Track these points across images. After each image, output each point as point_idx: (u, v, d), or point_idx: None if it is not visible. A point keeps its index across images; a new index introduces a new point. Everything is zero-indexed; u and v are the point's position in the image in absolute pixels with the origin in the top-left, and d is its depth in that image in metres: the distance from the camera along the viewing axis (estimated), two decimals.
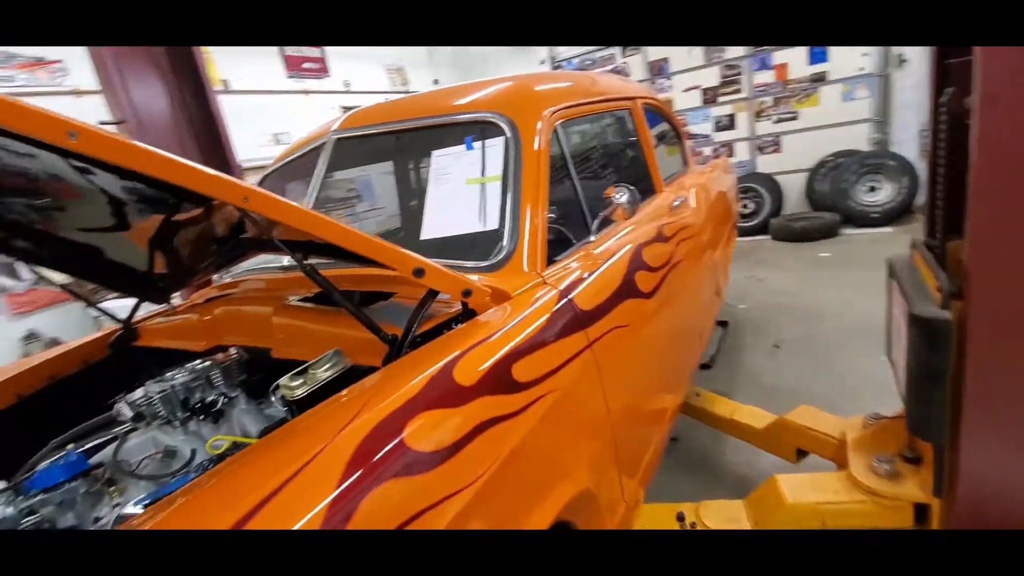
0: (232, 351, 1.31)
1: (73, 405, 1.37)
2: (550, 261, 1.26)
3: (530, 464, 0.89)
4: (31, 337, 3.66)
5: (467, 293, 1.00)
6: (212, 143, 3.09)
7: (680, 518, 1.48)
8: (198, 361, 1.25)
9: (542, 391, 0.93)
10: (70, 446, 1.12)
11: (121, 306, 1.79)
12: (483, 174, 1.32)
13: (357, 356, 1.00)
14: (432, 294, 0.98)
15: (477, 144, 1.36)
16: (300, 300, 1.30)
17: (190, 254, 1.48)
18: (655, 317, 1.48)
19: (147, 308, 1.66)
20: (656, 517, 1.47)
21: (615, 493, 1.20)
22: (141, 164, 0.63)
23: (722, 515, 1.46)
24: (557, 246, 1.37)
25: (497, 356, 0.89)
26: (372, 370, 0.98)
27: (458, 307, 1.05)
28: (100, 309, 1.57)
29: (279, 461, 0.63)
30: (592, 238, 1.41)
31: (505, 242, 1.20)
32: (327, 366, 0.96)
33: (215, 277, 1.94)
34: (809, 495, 1.35)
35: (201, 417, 1.18)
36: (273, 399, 0.95)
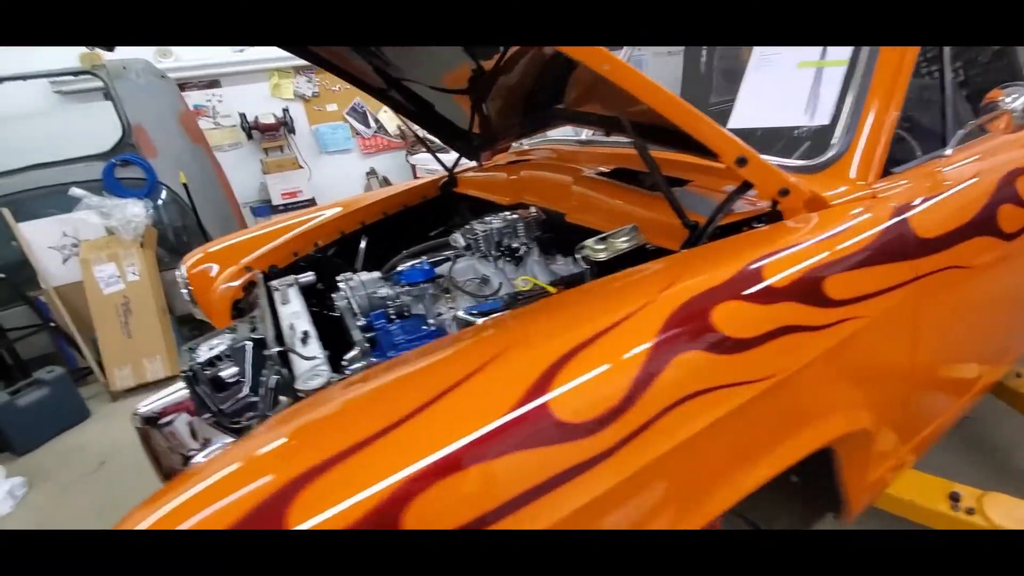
0: (532, 210, 1.53)
1: (414, 227, 1.84)
2: (884, 173, 1.07)
3: (818, 382, 0.88)
4: (371, 173, 4.83)
5: (784, 192, 0.94)
6: None
7: (954, 498, 1.29)
8: (508, 212, 1.51)
9: (852, 313, 0.87)
10: (423, 257, 1.50)
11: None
12: (823, 56, 1.14)
13: (649, 235, 1.08)
14: (746, 186, 0.96)
15: None
16: (597, 174, 1.41)
17: (500, 122, 1.71)
18: (1006, 266, 1.17)
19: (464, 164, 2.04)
20: (921, 488, 1.30)
21: (890, 444, 1.10)
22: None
23: (1014, 514, 1.22)
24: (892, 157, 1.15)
25: (810, 265, 0.85)
26: (660, 250, 1.04)
27: (762, 206, 1.01)
28: (435, 156, 1.97)
29: (606, 307, 0.75)
30: (948, 151, 1.13)
31: (835, 141, 1.06)
32: (625, 238, 1.05)
33: (514, 144, 2.21)
34: None
35: (507, 259, 1.45)
36: (577, 257, 1.10)
